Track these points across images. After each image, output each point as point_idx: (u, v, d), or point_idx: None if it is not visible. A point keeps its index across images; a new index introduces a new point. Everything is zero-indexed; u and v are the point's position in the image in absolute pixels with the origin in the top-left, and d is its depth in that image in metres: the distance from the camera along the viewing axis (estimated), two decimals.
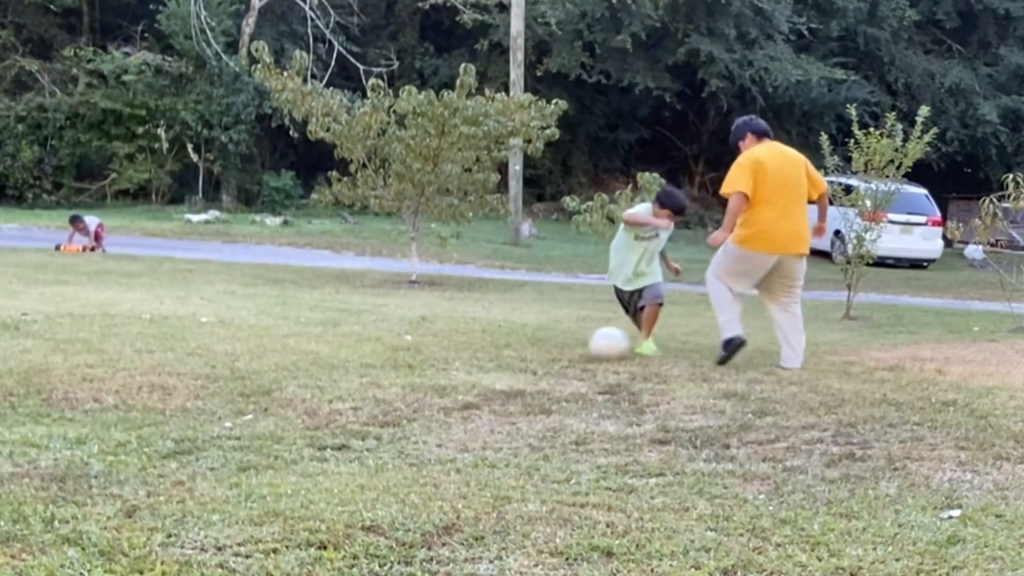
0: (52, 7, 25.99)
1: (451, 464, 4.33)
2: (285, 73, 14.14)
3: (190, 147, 25.22)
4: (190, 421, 5.02)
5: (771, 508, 3.79)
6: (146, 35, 26.47)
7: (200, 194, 25.56)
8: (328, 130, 14.14)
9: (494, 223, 22.33)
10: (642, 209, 8.04)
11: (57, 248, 15.53)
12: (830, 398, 6.03)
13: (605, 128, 30.09)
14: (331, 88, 16.08)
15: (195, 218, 22.60)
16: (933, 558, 3.28)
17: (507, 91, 17.77)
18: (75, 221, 16.07)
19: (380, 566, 3.07)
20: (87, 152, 25.21)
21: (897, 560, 3.26)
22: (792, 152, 7.40)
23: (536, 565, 3.13)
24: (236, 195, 25.90)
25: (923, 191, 21.93)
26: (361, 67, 23.85)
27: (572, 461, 4.47)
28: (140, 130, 25.06)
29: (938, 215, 22.52)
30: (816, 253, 22.26)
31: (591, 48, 27.11)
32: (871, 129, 11.81)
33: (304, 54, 14.81)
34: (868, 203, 11.97)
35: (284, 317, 9.20)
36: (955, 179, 29.79)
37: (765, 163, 7.10)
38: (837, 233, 18.97)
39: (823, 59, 28.22)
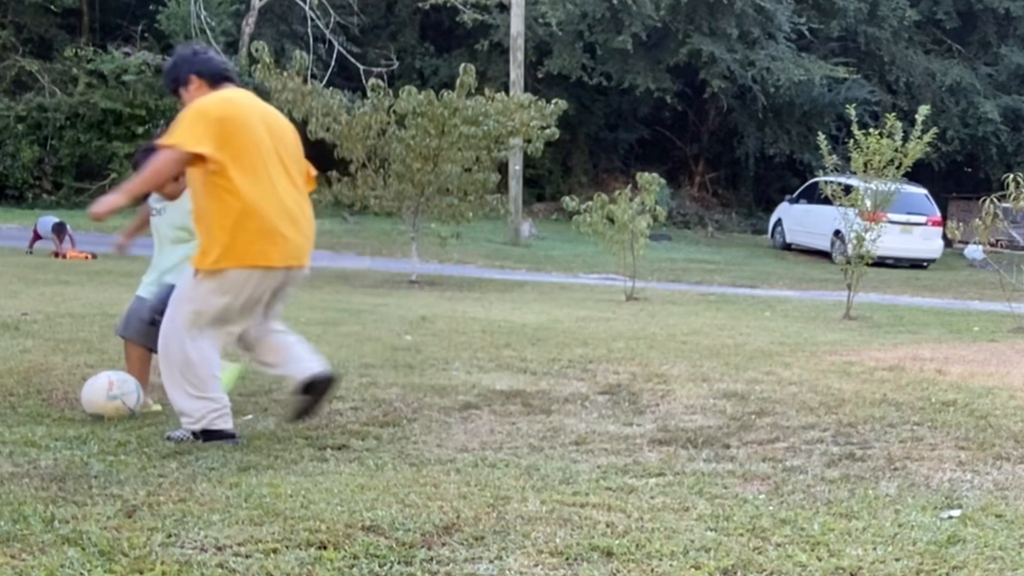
0: (52, 7, 25.97)
1: (451, 464, 4.32)
2: (285, 73, 14.14)
3: None
4: None
5: (771, 508, 3.79)
6: (146, 35, 26.45)
7: None
8: (328, 130, 14.15)
9: (494, 223, 22.33)
10: None
11: (57, 256, 15.23)
12: (830, 398, 6.04)
13: (605, 128, 30.08)
14: (331, 88, 16.08)
15: None
16: (933, 558, 3.28)
17: (507, 91, 17.76)
18: (60, 231, 15.74)
19: (380, 566, 3.07)
20: (87, 152, 25.19)
21: (897, 560, 3.26)
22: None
23: (536, 565, 3.13)
24: None
25: (923, 191, 21.92)
26: (361, 67, 23.82)
27: (572, 461, 4.46)
28: (140, 130, 25.02)
29: (938, 215, 22.51)
30: (816, 253, 22.55)
31: (592, 49, 27.10)
32: (871, 129, 11.81)
33: (304, 54, 14.84)
34: (868, 203, 11.97)
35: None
36: (955, 179, 29.79)
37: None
38: (837, 233, 19.03)
39: (824, 59, 28.22)
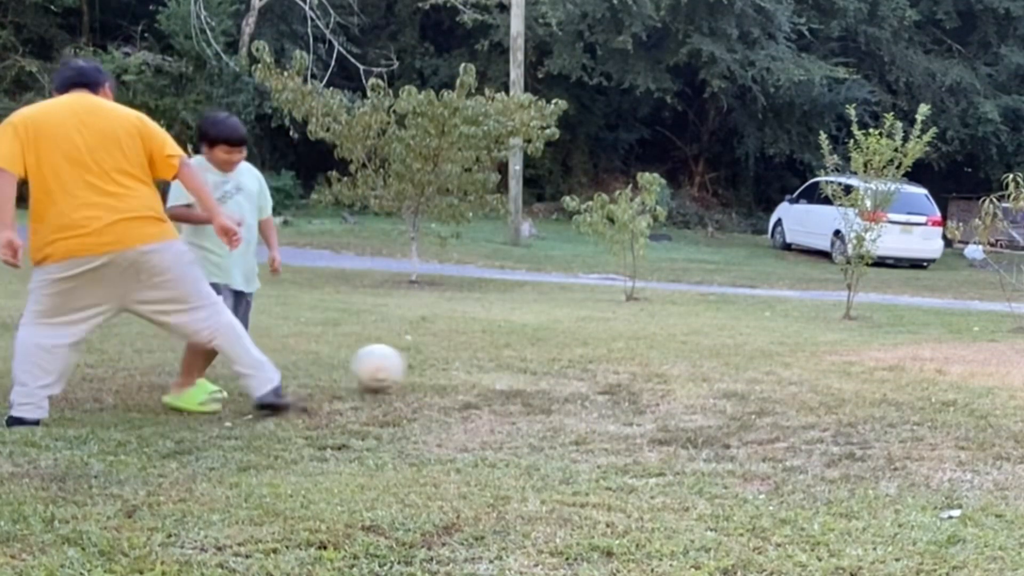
0: (52, 7, 25.96)
1: (451, 464, 4.32)
2: (285, 73, 14.13)
3: (190, 147, 25.15)
4: (190, 421, 5.02)
5: (771, 508, 3.79)
6: (146, 35, 26.45)
7: None
8: (328, 130, 14.14)
9: (494, 223, 22.32)
10: (196, 163, 5.44)
11: None
12: (830, 398, 6.04)
13: (605, 128, 30.08)
14: (331, 88, 16.07)
15: None
16: (933, 558, 3.28)
17: (507, 91, 17.76)
18: None
19: (380, 566, 3.07)
20: None
21: (897, 560, 3.26)
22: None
23: (536, 565, 3.13)
24: None
25: (923, 191, 21.92)
26: (361, 67, 23.80)
27: (572, 461, 4.47)
28: None
29: (938, 215, 22.51)
30: (816, 253, 22.57)
31: (592, 49, 27.09)
32: (871, 129, 11.81)
33: (304, 54, 14.81)
34: (868, 203, 11.97)
35: (284, 317, 9.20)
36: (955, 179, 29.78)
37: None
38: (837, 233, 19.03)
39: (824, 59, 28.23)
